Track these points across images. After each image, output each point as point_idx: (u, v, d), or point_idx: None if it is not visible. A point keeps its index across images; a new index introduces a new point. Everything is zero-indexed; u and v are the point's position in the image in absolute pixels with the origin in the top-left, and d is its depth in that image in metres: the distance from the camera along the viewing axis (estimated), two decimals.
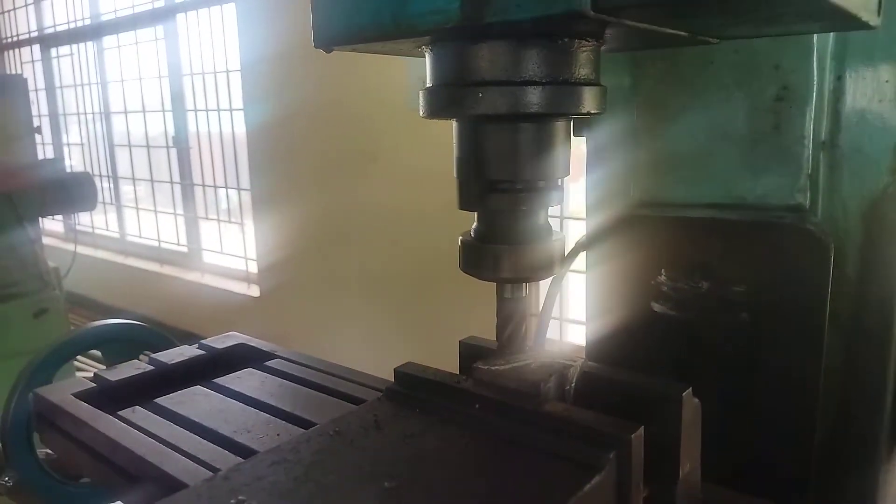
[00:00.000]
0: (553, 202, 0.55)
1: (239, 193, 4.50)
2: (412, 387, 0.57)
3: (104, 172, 5.72)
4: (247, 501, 0.42)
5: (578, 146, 1.00)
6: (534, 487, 0.43)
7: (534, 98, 0.48)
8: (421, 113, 0.52)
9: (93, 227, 5.85)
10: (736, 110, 0.83)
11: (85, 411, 0.85)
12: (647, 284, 0.90)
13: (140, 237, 5.51)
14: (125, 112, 5.24)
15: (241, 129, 4.29)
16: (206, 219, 4.88)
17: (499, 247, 0.54)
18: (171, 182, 5.02)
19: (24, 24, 6.18)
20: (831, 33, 0.78)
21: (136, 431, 0.80)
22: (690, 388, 0.53)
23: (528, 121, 0.50)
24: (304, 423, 0.78)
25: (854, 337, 0.82)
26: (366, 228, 3.65)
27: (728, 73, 0.84)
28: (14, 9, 6.24)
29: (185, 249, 5.08)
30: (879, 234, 0.79)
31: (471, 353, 0.62)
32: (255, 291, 4.43)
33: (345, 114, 3.55)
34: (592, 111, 0.50)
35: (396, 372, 0.59)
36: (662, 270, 0.89)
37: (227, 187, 4.57)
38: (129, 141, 5.30)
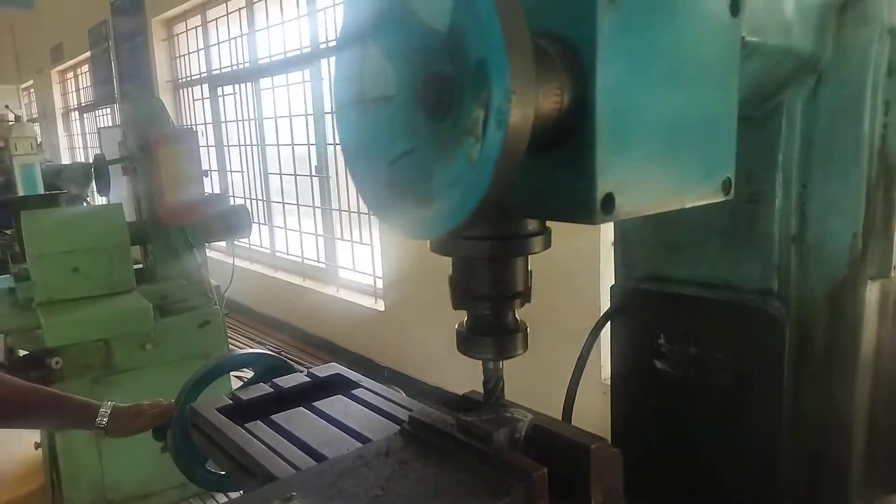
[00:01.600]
0: (518, 306, 0.78)
1: (369, 217, 4.95)
2: (418, 427, 0.82)
3: (258, 196, 6.47)
4: (295, 496, 0.70)
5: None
6: (468, 500, 0.67)
7: (497, 248, 0.72)
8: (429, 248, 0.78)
9: (249, 244, 6.62)
10: (719, 209, 0.99)
11: (223, 422, 1.18)
12: (652, 345, 1.09)
13: (287, 254, 6.18)
14: (277, 144, 5.92)
15: None
16: (342, 239, 5.40)
17: (482, 338, 0.78)
18: (314, 206, 5.60)
19: (196, 66, 7.13)
20: (797, 150, 0.94)
21: (254, 440, 1.11)
22: (605, 442, 0.73)
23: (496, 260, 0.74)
24: (366, 441, 1.05)
25: (824, 400, 0.96)
26: None
27: None
28: (188, 53, 7.22)
29: (323, 266, 5.64)
30: (842, 316, 0.93)
31: (470, 404, 0.86)
32: (380, 306, 4.85)
33: None
34: (538, 251, 0.73)
35: (410, 417, 0.85)
36: (662, 335, 1.07)
37: (359, 212, 5.05)
38: (279, 169, 5.97)
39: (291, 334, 5.85)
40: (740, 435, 0.98)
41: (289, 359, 1.55)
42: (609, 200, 0.55)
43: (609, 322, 1.16)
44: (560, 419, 0.92)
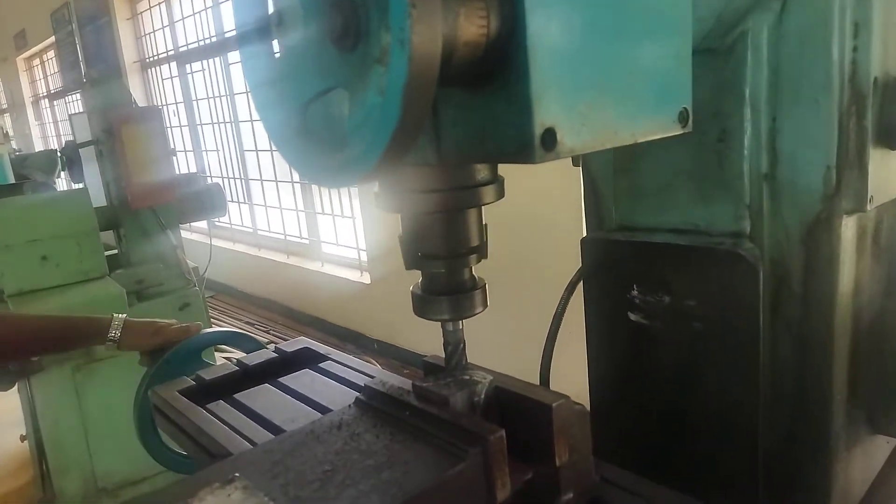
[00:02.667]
0: (474, 262, 0.73)
1: (349, 190, 4.87)
2: (372, 397, 0.78)
3: (236, 174, 6.35)
4: (238, 477, 0.65)
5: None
6: (420, 469, 0.63)
7: (445, 201, 0.66)
8: (375, 205, 0.72)
9: (230, 224, 6.53)
10: (687, 150, 0.95)
11: (183, 404, 1.13)
12: (625, 297, 1.04)
13: (269, 231, 6.10)
14: (251, 120, 5.79)
15: None
16: (324, 213, 5.32)
17: (438, 297, 0.73)
18: (292, 181, 5.51)
19: (162, 44, 6.94)
20: (764, 81, 0.88)
21: (215, 420, 1.06)
22: (566, 399, 0.69)
23: (446, 213, 0.69)
24: None
25: (802, 344, 0.92)
26: None
27: None
28: (154, 31, 7.02)
29: (306, 241, 5.57)
30: (817, 255, 0.88)
31: (429, 369, 0.82)
32: (366, 279, 4.80)
33: None
34: (491, 202, 0.67)
35: (364, 386, 0.80)
36: (635, 286, 1.02)
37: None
38: (255, 146, 5.85)
39: (279, 312, 5.81)
40: (718, 383, 0.94)
41: (277, 336, 1.49)
42: (550, 136, 0.50)
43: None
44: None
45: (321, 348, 1.37)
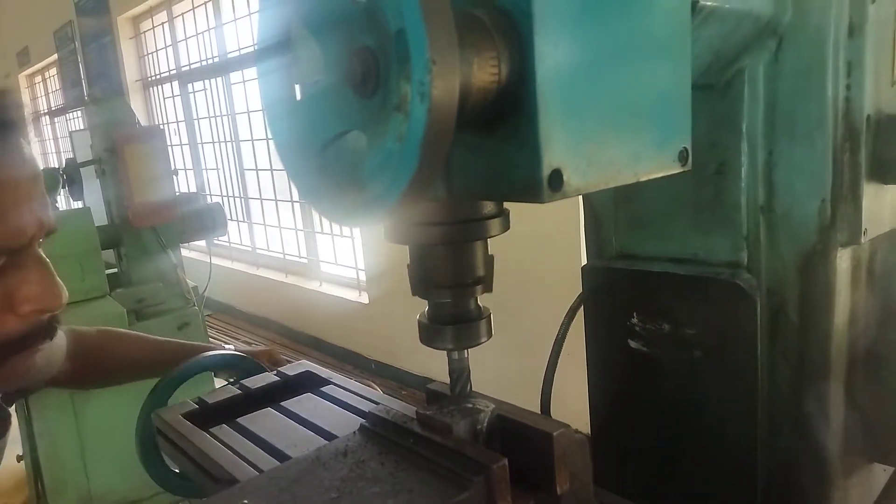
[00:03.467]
0: (479, 293, 0.74)
1: None
2: (376, 424, 0.79)
3: (236, 193, 6.38)
4: (247, 503, 0.66)
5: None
6: (425, 497, 0.64)
7: (452, 234, 0.68)
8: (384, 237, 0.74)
9: (229, 243, 6.54)
10: (686, 181, 0.96)
11: (187, 428, 1.14)
12: (625, 324, 1.06)
13: (268, 250, 6.12)
14: (252, 140, 5.83)
15: None
16: (322, 233, 5.34)
17: (444, 327, 0.75)
18: (292, 201, 5.53)
19: (165, 63, 7.01)
20: (761, 116, 0.91)
21: (218, 444, 1.07)
22: (567, 427, 0.70)
23: (452, 245, 0.71)
24: (334, 439, 1.02)
25: (799, 370, 0.93)
26: None
27: None
28: (156, 50, 7.09)
29: (305, 261, 5.59)
30: (813, 284, 0.91)
31: (431, 396, 0.83)
32: (364, 298, 4.81)
33: None
34: (497, 234, 0.69)
35: (368, 413, 0.81)
36: (635, 314, 1.04)
37: None
38: (255, 165, 5.89)
39: (277, 331, 5.80)
40: (717, 411, 0.95)
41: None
42: (557, 177, 0.52)
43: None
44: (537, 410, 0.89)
45: (323, 372, 1.38)
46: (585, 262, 1.15)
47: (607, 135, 0.58)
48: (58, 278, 0.87)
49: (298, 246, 5.63)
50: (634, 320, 1.03)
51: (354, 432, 0.80)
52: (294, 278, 5.64)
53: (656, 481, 1.03)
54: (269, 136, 0.62)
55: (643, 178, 0.61)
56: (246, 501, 0.67)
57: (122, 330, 1.56)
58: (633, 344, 1.04)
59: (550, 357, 1.17)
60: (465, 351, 0.77)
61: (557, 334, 1.15)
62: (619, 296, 1.06)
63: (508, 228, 0.72)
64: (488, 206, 0.69)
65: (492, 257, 0.74)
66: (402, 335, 4.46)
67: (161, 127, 3.52)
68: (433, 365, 3.95)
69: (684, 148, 0.64)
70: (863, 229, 0.88)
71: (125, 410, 1.50)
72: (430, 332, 0.74)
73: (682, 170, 0.63)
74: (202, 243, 6.64)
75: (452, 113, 0.44)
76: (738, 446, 0.94)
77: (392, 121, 0.48)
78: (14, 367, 0.88)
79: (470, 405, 0.77)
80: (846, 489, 0.98)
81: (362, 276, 4.84)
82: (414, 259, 0.73)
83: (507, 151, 0.55)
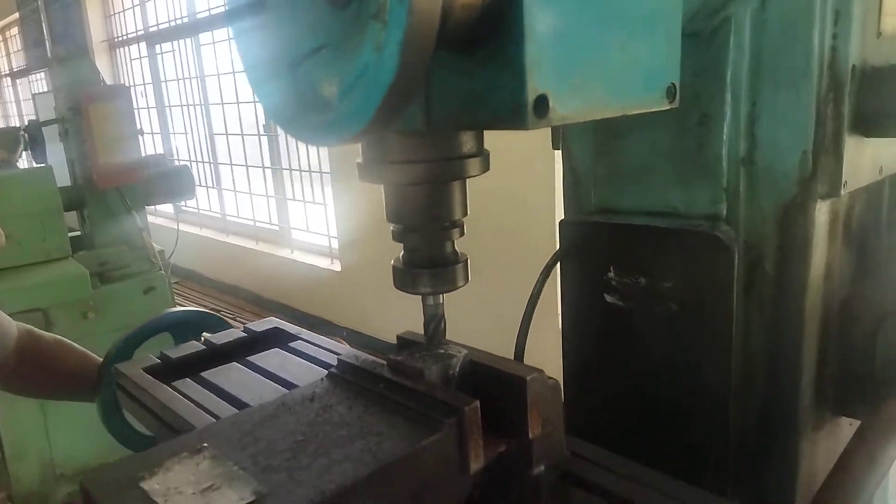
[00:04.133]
0: (455, 236, 0.72)
1: (321, 176, 4.82)
2: (346, 370, 0.76)
3: (205, 158, 6.24)
4: (206, 447, 0.63)
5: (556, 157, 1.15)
6: (394, 441, 0.62)
7: (428, 172, 0.65)
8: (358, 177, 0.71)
9: (198, 209, 6.41)
10: (667, 132, 0.95)
11: (148, 382, 1.10)
12: (602, 279, 1.04)
13: (238, 217, 6.01)
14: (221, 103, 5.69)
15: None
16: (294, 199, 5.26)
17: (419, 271, 0.72)
18: (263, 167, 5.43)
19: (132, 23, 6.77)
20: (746, 66, 0.88)
21: (181, 397, 1.04)
22: (540, 372, 0.68)
23: (428, 185, 0.67)
24: None
25: (774, 326, 0.93)
26: None
27: None
28: (123, 10, 6.84)
29: (276, 228, 5.50)
30: (791, 237, 0.89)
31: (402, 344, 0.81)
32: (337, 266, 4.76)
33: None
34: (476, 175, 0.66)
35: (338, 359, 0.79)
36: (612, 268, 1.02)
37: (311, 171, 4.90)
38: (225, 130, 5.76)
39: (246, 299, 5.73)
40: (692, 364, 0.95)
41: (244, 323, 1.45)
42: (542, 102, 0.49)
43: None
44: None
45: (291, 328, 1.35)
46: (562, 218, 1.13)
47: (595, 63, 0.55)
48: None
49: (270, 213, 5.54)
50: (611, 274, 1.02)
51: (322, 379, 0.78)
52: (265, 245, 5.56)
53: (629, 432, 1.02)
54: (239, 56, 0.58)
55: (630, 112, 0.58)
56: (205, 444, 0.63)
57: (75, 344, 1.46)
58: (608, 298, 1.03)
59: (525, 311, 1.15)
60: (441, 296, 0.74)
61: (533, 290, 1.13)
62: (597, 250, 1.05)
63: (488, 169, 0.69)
64: (468, 144, 0.66)
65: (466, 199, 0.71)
66: (375, 303, 4.44)
67: (126, 86, 3.39)
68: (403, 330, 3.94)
69: (672, 84, 0.62)
70: (843, 181, 0.87)
71: None
72: (405, 277, 0.72)
73: (669, 107, 0.61)
74: (168, 209, 6.53)
75: (434, 19, 0.41)
76: (712, 398, 0.93)
77: (369, 31, 0.45)
78: None
79: (442, 351, 0.75)
80: (815, 441, 0.98)
81: (335, 244, 4.79)
82: (389, 200, 0.70)
83: (491, 74, 0.52)
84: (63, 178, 3.19)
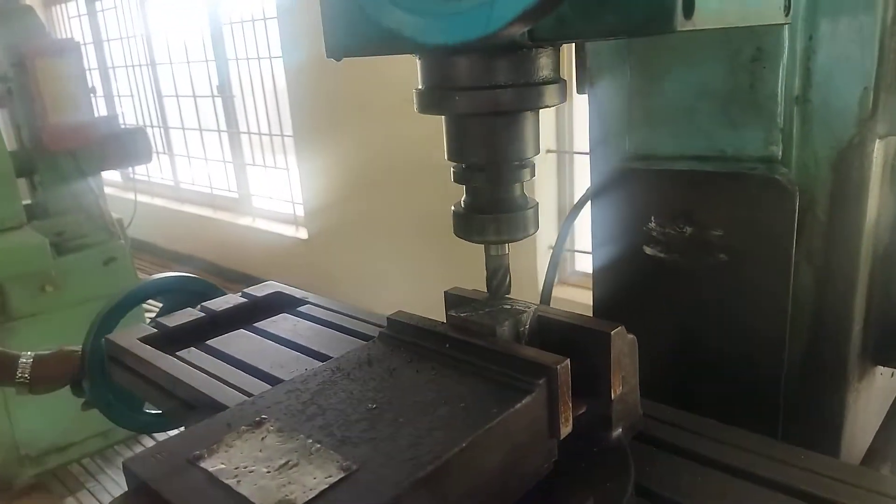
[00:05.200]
0: (526, 177, 0.64)
1: (283, 139, 4.63)
2: (400, 331, 0.69)
3: (154, 122, 5.94)
4: (267, 419, 0.55)
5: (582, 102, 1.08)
6: (480, 405, 0.56)
7: (501, 99, 0.57)
8: (415, 109, 0.62)
9: (149, 176, 6.13)
10: (716, 70, 0.89)
11: (149, 353, 1.01)
12: (640, 230, 0.99)
13: (193, 184, 5.76)
14: (170, 63, 5.39)
15: (281, 76, 4.40)
16: (254, 165, 5.06)
17: (484, 216, 0.65)
18: (219, 130, 5.20)
19: None
20: None
21: (191, 368, 0.95)
22: (622, 327, 0.63)
23: (499, 116, 0.60)
24: (325, 359, 0.92)
25: (824, 273, 0.89)
26: (405, 170, 3.75)
27: (709, 34, 0.89)
28: None
29: (235, 195, 5.30)
30: (846, 181, 0.85)
31: (454, 301, 0.74)
32: (303, 234, 4.62)
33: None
34: (552, 105, 0.59)
35: (388, 319, 0.71)
36: (652, 217, 0.97)
37: (271, 134, 4.71)
38: (175, 91, 5.47)
39: (206, 269, 5.53)
40: (741, 316, 0.91)
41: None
42: (689, 1, 0.42)
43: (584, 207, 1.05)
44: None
45: (296, 292, 1.27)
46: (591, 164, 1.07)
47: None
48: None
49: (228, 179, 5.32)
50: (651, 224, 0.96)
51: (374, 340, 0.70)
52: (224, 214, 5.35)
53: (670, 383, 0.98)
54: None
55: (752, 23, 0.52)
56: (264, 416, 0.56)
57: None
58: (648, 250, 0.98)
59: (550, 261, 1.10)
60: (506, 246, 0.67)
61: (557, 239, 1.07)
62: (634, 199, 0.99)
63: (565, 100, 0.61)
64: (545, 70, 0.58)
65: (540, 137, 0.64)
66: (344, 270, 4.33)
67: (77, 40, 3.15)
68: (376, 300, 3.86)
69: None
70: None
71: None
72: (469, 223, 0.64)
73: (783, 21, 0.55)
74: (117, 177, 6.22)
75: None
76: (764, 351, 0.90)
77: None
78: None
79: (508, 306, 0.68)
80: (858, 392, 0.96)
81: (300, 211, 4.63)
82: (452, 135, 0.62)
83: None
84: (7, 142, 2.96)
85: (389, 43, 0.52)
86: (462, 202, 0.65)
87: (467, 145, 0.62)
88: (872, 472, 0.83)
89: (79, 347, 1.22)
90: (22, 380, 1.21)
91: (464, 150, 0.62)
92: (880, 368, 1.07)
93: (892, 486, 0.70)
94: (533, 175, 0.64)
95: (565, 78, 0.61)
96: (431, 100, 0.59)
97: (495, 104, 0.57)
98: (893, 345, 1.00)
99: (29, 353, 1.24)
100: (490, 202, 0.64)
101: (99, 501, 2.71)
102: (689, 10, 0.42)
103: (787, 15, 0.57)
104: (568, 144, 3.12)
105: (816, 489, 0.69)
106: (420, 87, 0.60)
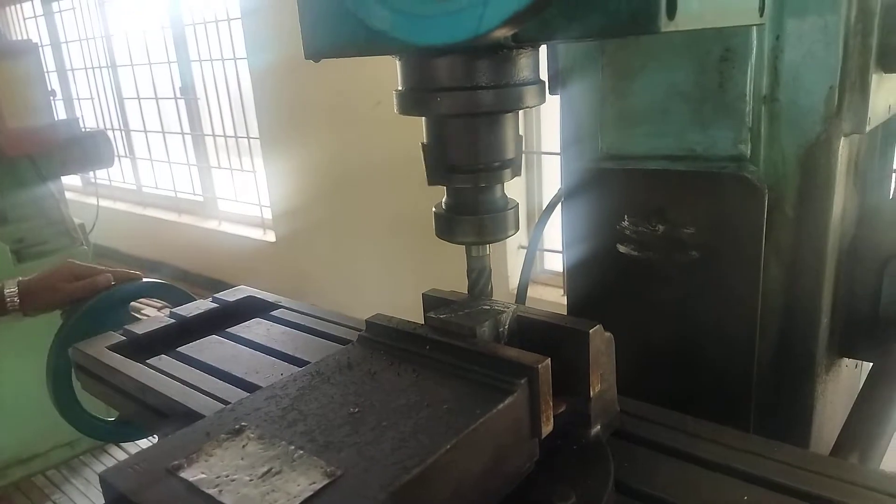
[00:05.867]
0: (507, 178, 0.64)
1: (249, 142, 4.57)
2: (379, 334, 0.69)
3: (115, 125, 5.81)
4: (247, 426, 0.54)
5: (554, 103, 1.08)
6: (462, 407, 0.55)
7: (483, 100, 0.57)
8: (395, 110, 0.62)
9: (110, 180, 5.99)
10: (686, 70, 0.90)
11: (118, 361, 0.98)
12: (613, 229, 1.00)
13: (156, 188, 5.65)
14: (131, 65, 5.28)
15: (246, 78, 4.34)
16: (219, 168, 4.98)
17: (464, 217, 0.65)
18: (182, 133, 5.11)
19: None
20: None
21: (163, 376, 0.93)
22: (600, 325, 0.63)
23: (479, 117, 0.59)
24: (302, 364, 0.91)
25: (793, 268, 0.91)
26: (375, 172, 3.73)
27: (679, 35, 0.90)
28: None
29: (200, 198, 5.21)
30: (813, 178, 0.87)
31: (431, 303, 0.73)
32: (270, 237, 4.57)
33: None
34: (532, 105, 0.59)
35: (367, 322, 0.71)
36: (626, 216, 0.98)
37: (236, 136, 4.65)
38: (137, 93, 5.36)
39: (171, 275, 5.42)
40: (715, 311, 0.92)
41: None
42: (672, 2, 0.42)
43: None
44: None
45: (268, 296, 1.25)
46: (562, 164, 1.08)
47: None
48: None
49: (192, 183, 5.23)
50: (625, 223, 0.97)
51: (353, 343, 0.69)
52: (189, 217, 5.26)
53: (642, 379, 1.00)
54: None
55: (729, 24, 0.52)
56: (244, 423, 0.55)
57: None
58: (622, 248, 0.99)
59: (525, 262, 1.10)
60: (487, 247, 0.67)
61: (530, 240, 1.08)
62: (606, 198, 1.00)
63: (545, 101, 0.62)
64: (524, 71, 0.59)
65: (521, 137, 0.64)
66: (313, 273, 4.29)
67: (34, 42, 3.06)
68: (346, 302, 3.83)
69: None
70: (867, 118, 0.85)
71: (12, 363, 1.29)
72: (449, 224, 0.64)
73: (759, 22, 0.56)
74: (77, 182, 6.06)
75: None
76: (735, 346, 0.91)
77: None
78: None
79: (486, 306, 0.68)
80: (826, 383, 0.98)
81: (267, 214, 4.58)
82: (432, 136, 0.62)
83: None
84: None
85: (372, 44, 0.52)
86: (443, 203, 0.65)
87: (448, 146, 0.61)
88: (842, 461, 0.84)
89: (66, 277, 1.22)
90: (13, 306, 1.22)
91: (444, 151, 0.62)
92: (846, 361, 1.10)
93: (861, 475, 0.72)
94: (515, 175, 0.64)
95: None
96: (412, 101, 0.58)
97: (476, 105, 0.57)
98: (858, 336, 1.03)
99: (12, 280, 1.23)
100: (471, 203, 0.64)
101: None
102: (672, 12, 0.42)
103: (761, 16, 0.58)
104: (536, 145, 3.15)
105: (790, 480, 0.70)
106: (400, 88, 0.59)
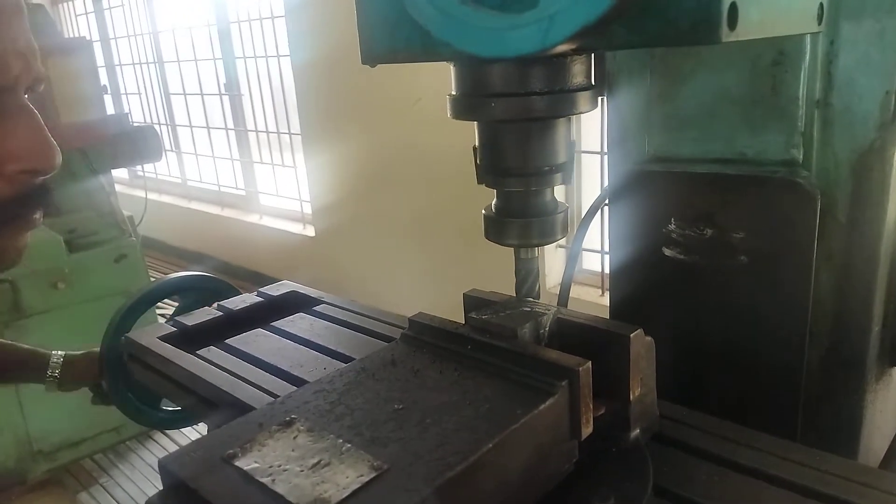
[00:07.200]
0: (557, 182, 0.65)
1: (290, 137, 4.65)
2: (422, 332, 0.70)
3: (162, 120, 5.96)
4: (297, 419, 0.56)
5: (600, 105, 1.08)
6: (504, 407, 0.56)
7: (536, 106, 0.58)
8: (448, 114, 0.63)
9: (156, 174, 6.15)
10: (738, 74, 0.89)
11: (170, 351, 1.02)
12: (659, 231, 0.99)
13: (200, 182, 5.78)
14: (178, 61, 5.41)
15: (288, 74, 4.41)
16: (261, 163, 5.07)
17: (514, 220, 0.66)
18: (226, 128, 5.21)
19: None
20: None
21: (212, 367, 0.96)
22: (641, 329, 0.63)
23: (532, 122, 0.60)
24: (344, 359, 0.93)
25: (844, 275, 0.89)
26: (414, 168, 3.75)
27: None
28: None
29: (242, 193, 5.31)
30: (867, 184, 0.86)
31: (472, 303, 0.74)
32: (310, 231, 4.64)
33: None
34: (585, 111, 0.59)
35: (410, 320, 0.72)
36: (672, 219, 0.97)
37: (278, 132, 4.72)
38: (183, 89, 5.49)
39: (214, 267, 5.54)
40: (762, 317, 0.91)
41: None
42: (733, 11, 0.42)
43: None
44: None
45: (311, 291, 1.28)
46: (608, 166, 1.07)
47: None
48: (49, 135, 0.69)
49: (235, 177, 5.34)
50: (672, 227, 0.97)
51: (396, 341, 0.71)
52: (231, 211, 5.37)
53: (686, 384, 0.99)
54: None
55: (787, 33, 0.52)
56: (294, 416, 0.56)
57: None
58: (668, 252, 0.98)
59: (568, 263, 1.10)
60: (535, 249, 0.68)
61: (573, 242, 1.08)
62: (653, 201, 0.99)
63: (596, 106, 0.62)
64: (578, 77, 0.59)
65: (573, 142, 0.64)
66: (351, 268, 4.35)
67: (88, 39, 3.16)
68: (384, 298, 3.87)
69: (821, 4, 0.55)
70: None
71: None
72: (498, 227, 0.65)
73: (817, 29, 0.55)
74: (124, 175, 6.24)
75: None
76: (783, 350, 0.90)
77: None
78: (3, 244, 0.71)
79: (527, 308, 0.69)
80: (876, 392, 0.96)
81: (307, 209, 4.65)
82: (483, 140, 0.63)
83: None
84: None
85: (429, 50, 0.53)
86: (493, 206, 0.66)
87: (500, 150, 0.62)
88: (891, 474, 0.83)
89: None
90: (52, 378, 1.23)
91: (496, 155, 0.63)
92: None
93: None
94: (567, 180, 0.65)
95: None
96: (466, 106, 0.59)
97: (529, 111, 0.58)
98: None
99: (59, 352, 1.27)
100: (521, 206, 0.65)
101: (112, 497, 2.73)
102: (733, 22, 0.42)
103: (819, 23, 0.57)
104: (577, 144, 3.12)
105: (834, 490, 0.69)
106: (454, 92, 0.60)
